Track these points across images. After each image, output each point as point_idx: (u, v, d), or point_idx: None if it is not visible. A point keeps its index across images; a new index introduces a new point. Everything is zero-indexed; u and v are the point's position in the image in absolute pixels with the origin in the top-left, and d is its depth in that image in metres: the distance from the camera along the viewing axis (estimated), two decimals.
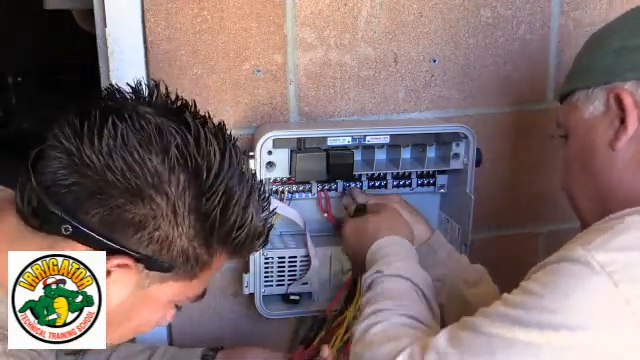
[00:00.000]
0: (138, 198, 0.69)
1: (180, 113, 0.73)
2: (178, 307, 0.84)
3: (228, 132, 0.77)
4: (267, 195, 0.80)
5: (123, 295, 0.74)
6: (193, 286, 0.79)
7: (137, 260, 0.72)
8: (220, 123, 0.77)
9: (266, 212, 0.79)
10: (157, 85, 0.76)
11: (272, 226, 0.82)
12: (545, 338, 0.71)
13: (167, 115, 0.72)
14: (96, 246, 0.70)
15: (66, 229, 0.69)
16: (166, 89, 0.77)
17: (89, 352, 1.06)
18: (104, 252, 0.72)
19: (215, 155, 0.71)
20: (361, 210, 1.14)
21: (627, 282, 0.70)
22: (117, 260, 0.71)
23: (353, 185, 1.20)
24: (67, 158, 0.69)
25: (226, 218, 0.73)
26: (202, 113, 0.77)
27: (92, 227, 0.70)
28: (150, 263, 0.72)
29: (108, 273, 0.72)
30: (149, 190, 0.69)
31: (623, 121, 0.83)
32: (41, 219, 0.71)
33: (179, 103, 0.76)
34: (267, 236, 0.80)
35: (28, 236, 0.72)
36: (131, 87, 0.75)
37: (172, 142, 0.69)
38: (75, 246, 0.71)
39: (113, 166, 0.68)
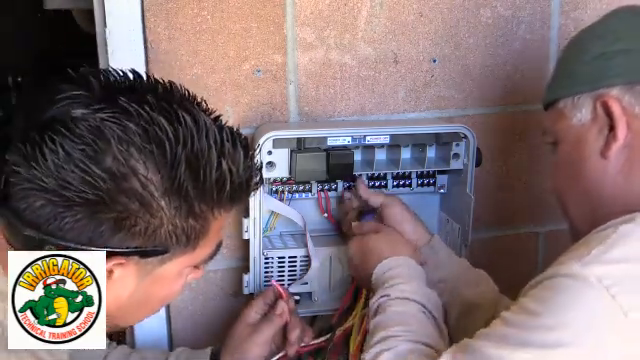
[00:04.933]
0: (102, 205, 0.68)
1: (115, 100, 0.70)
2: (197, 267, 0.82)
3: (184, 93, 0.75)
4: (240, 139, 0.76)
5: (130, 287, 0.75)
6: (199, 253, 0.78)
7: (128, 255, 0.72)
8: (169, 88, 0.75)
9: (247, 159, 0.75)
10: (99, 71, 0.74)
11: (261, 164, 0.79)
12: (546, 356, 0.71)
13: (103, 107, 0.69)
14: None
15: (50, 249, 0.69)
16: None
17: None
18: (104, 252, 0.72)
19: (164, 129, 0.68)
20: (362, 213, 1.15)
21: (624, 294, 0.69)
22: (109, 263, 0.71)
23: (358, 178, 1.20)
24: (26, 183, 0.68)
25: (200, 183, 0.71)
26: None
27: (72, 240, 0.69)
28: (142, 254, 0.72)
29: (110, 272, 0.72)
30: (109, 193, 0.67)
31: (612, 128, 0.82)
32: (21, 243, 0.71)
33: (114, 86, 0.73)
34: (260, 177, 0.79)
35: None
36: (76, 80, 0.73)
37: (113, 138, 0.67)
38: None
39: (66, 183, 0.67)
